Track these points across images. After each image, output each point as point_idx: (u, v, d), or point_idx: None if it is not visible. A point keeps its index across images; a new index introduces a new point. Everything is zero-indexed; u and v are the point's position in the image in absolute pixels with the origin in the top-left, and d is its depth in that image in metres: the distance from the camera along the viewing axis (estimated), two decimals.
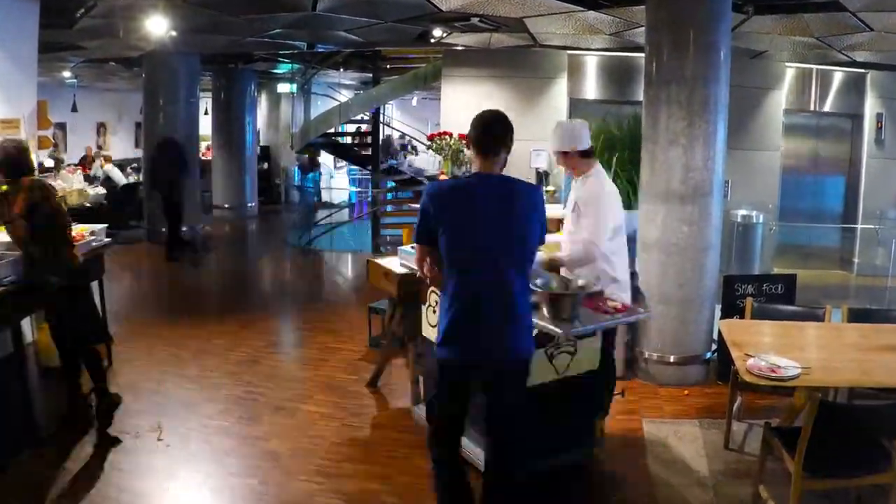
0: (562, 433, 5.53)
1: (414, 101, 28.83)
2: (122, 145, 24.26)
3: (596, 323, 5.17)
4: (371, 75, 19.41)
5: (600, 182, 5.83)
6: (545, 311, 5.00)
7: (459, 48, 13.30)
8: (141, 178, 15.73)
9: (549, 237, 7.08)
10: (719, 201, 7.56)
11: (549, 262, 5.81)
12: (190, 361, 8.14)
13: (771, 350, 5.07)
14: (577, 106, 13.07)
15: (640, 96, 8.04)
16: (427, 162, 19.88)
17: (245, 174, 19.73)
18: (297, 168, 23.09)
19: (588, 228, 5.69)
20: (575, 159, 5.84)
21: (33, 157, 9.13)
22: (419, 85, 16.45)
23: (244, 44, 14.00)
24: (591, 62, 13.06)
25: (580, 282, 5.21)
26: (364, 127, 21.32)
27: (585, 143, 5.83)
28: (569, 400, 5.44)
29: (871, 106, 13.24)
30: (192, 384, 7.47)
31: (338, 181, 26.28)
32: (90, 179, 17.62)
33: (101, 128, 23.81)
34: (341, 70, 20.39)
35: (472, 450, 5.56)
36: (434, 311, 6.00)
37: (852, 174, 13.67)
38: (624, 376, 7.58)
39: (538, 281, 5.05)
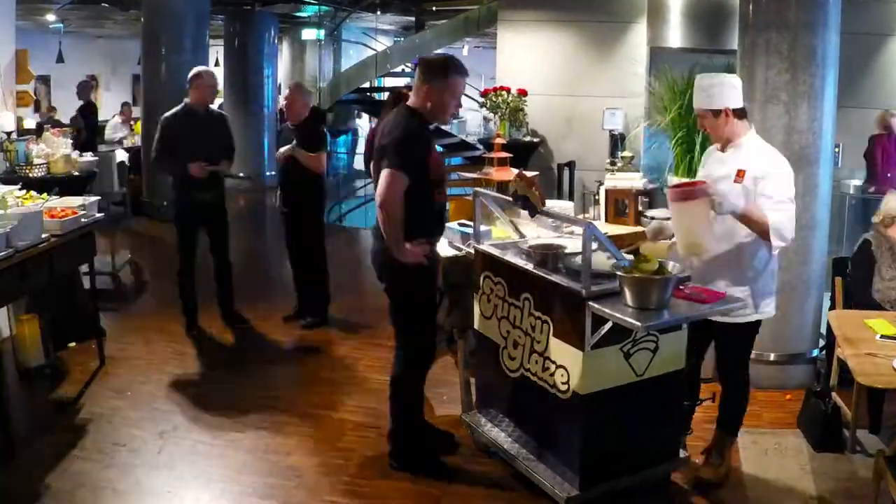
0: (642, 446, 5.46)
1: (465, 51, 28.77)
2: (116, 102, 24.41)
3: (681, 313, 5.01)
4: (413, 20, 19.41)
5: (771, 147, 5.68)
6: (628, 298, 4.85)
7: None
8: (138, 142, 15.79)
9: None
10: (828, 170, 7.48)
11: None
12: (196, 360, 8.21)
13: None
14: (659, 56, 12.89)
15: (734, 45, 8.00)
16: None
17: (264, 136, 19.61)
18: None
19: (779, 209, 5.56)
20: (727, 121, 5.52)
21: (10, 116, 9.20)
22: (471, 31, 16.45)
23: None
24: (676, 4, 12.86)
25: (670, 264, 5.06)
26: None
27: (740, 100, 5.56)
28: (650, 406, 5.38)
29: None
30: (200, 387, 7.52)
31: None
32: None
33: (91, 81, 24.02)
34: (378, 13, 20.41)
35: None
36: (488, 300, 5.98)
37: None
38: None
39: (619, 262, 4.99)
